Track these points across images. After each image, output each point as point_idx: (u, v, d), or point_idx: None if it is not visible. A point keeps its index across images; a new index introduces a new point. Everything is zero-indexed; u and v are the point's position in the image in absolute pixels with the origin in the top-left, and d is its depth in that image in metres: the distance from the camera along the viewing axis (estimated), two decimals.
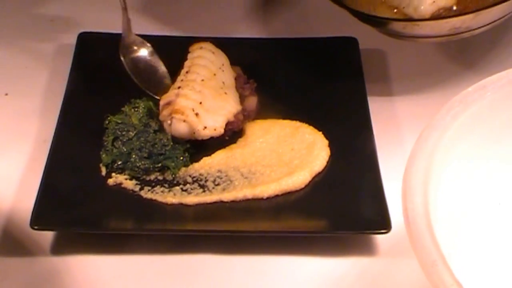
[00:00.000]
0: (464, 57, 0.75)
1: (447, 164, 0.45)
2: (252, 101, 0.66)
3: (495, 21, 0.63)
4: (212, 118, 0.62)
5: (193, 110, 0.61)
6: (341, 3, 0.66)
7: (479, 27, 0.64)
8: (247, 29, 0.76)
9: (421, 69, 0.73)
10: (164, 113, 0.62)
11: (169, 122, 0.62)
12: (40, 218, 0.55)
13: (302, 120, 0.65)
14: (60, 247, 0.57)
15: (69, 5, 0.81)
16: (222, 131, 0.62)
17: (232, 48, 0.67)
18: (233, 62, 0.67)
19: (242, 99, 0.66)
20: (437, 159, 0.44)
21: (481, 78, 0.51)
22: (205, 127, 0.61)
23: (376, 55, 0.74)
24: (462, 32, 0.63)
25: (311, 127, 0.64)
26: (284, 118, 0.66)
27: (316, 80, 0.69)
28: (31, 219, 0.55)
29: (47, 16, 0.79)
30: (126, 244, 0.57)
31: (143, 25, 0.74)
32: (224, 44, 0.67)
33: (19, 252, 0.56)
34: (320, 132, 0.64)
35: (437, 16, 0.66)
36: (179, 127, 0.61)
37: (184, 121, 0.61)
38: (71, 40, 0.72)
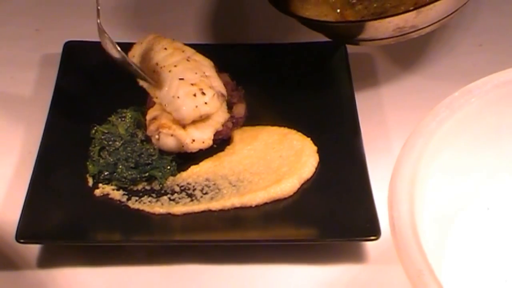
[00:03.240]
0: (451, 60, 0.75)
1: (433, 170, 0.45)
2: (241, 108, 0.66)
3: (441, 19, 0.62)
4: (200, 130, 0.61)
5: (179, 123, 0.61)
6: (285, 10, 0.65)
7: (425, 26, 0.63)
8: (234, 35, 0.75)
9: (409, 74, 0.73)
10: (151, 128, 0.62)
11: (156, 137, 0.61)
12: (25, 231, 0.54)
13: (290, 126, 0.65)
14: (47, 260, 0.56)
15: (55, 14, 0.80)
16: (211, 142, 0.62)
17: (220, 55, 0.67)
18: (220, 69, 0.66)
19: (230, 106, 0.65)
20: (423, 166, 0.44)
21: (469, 81, 0.51)
22: (193, 140, 0.61)
23: (364, 60, 0.74)
24: (409, 32, 0.62)
25: (299, 134, 0.64)
26: (272, 124, 0.65)
27: (304, 86, 0.69)
28: (16, 232, 0.54)
29: (33, 26, 0.79)
30: (114, 255, 0.57)
31: (126, 33, 0.74)
32: (211, 51, 0.67)
33: (5, 266, 0.56)
34: (309, 139, 0.63)
35: (379, 16, 0.65)
36: (167, 142, 0.61)
37: (172, 135, 0.60)
38: (57, 49, 0.71)
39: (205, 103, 0.61)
